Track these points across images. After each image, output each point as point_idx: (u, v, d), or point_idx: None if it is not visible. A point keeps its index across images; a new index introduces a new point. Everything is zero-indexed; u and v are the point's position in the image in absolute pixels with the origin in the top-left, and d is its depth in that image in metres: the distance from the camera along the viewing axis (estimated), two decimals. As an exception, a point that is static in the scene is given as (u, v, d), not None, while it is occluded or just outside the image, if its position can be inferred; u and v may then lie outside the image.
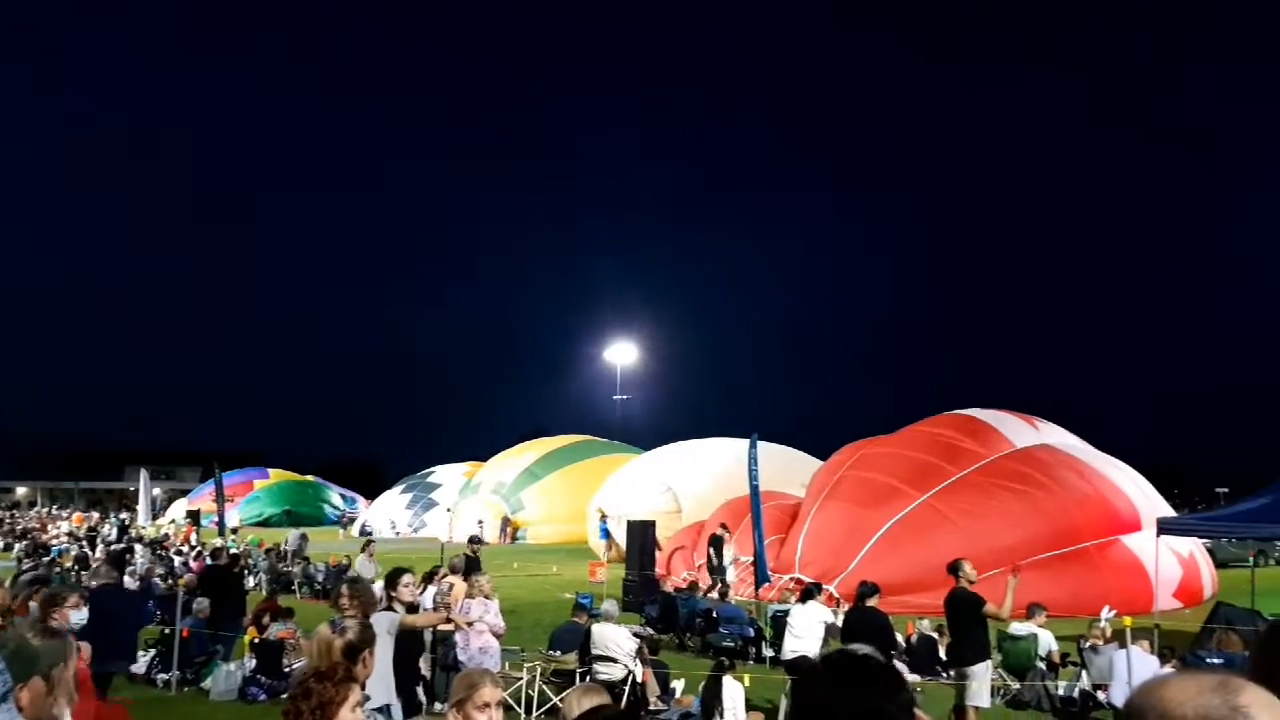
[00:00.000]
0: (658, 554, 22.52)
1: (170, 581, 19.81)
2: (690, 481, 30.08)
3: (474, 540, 16.86)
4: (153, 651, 12.48)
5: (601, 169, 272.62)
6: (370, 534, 48.50)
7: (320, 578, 21.21)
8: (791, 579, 18.21)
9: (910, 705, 1.73)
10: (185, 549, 29.06)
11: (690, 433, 35.98)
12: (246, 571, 21.01)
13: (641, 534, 20.58)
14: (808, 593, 12.37)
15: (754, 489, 17.91)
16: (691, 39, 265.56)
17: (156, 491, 61.52)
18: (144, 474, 47.81)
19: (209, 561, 20.59)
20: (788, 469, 27.13)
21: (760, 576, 17.30)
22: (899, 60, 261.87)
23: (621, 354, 61.27)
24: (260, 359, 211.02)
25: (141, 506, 46.66)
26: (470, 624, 9.12)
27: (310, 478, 65.45)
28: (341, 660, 3.85)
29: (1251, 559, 23.55)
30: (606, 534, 29.69)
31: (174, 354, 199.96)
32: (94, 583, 10.89)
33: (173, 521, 47.34)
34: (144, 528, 40.79)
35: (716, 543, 20.19)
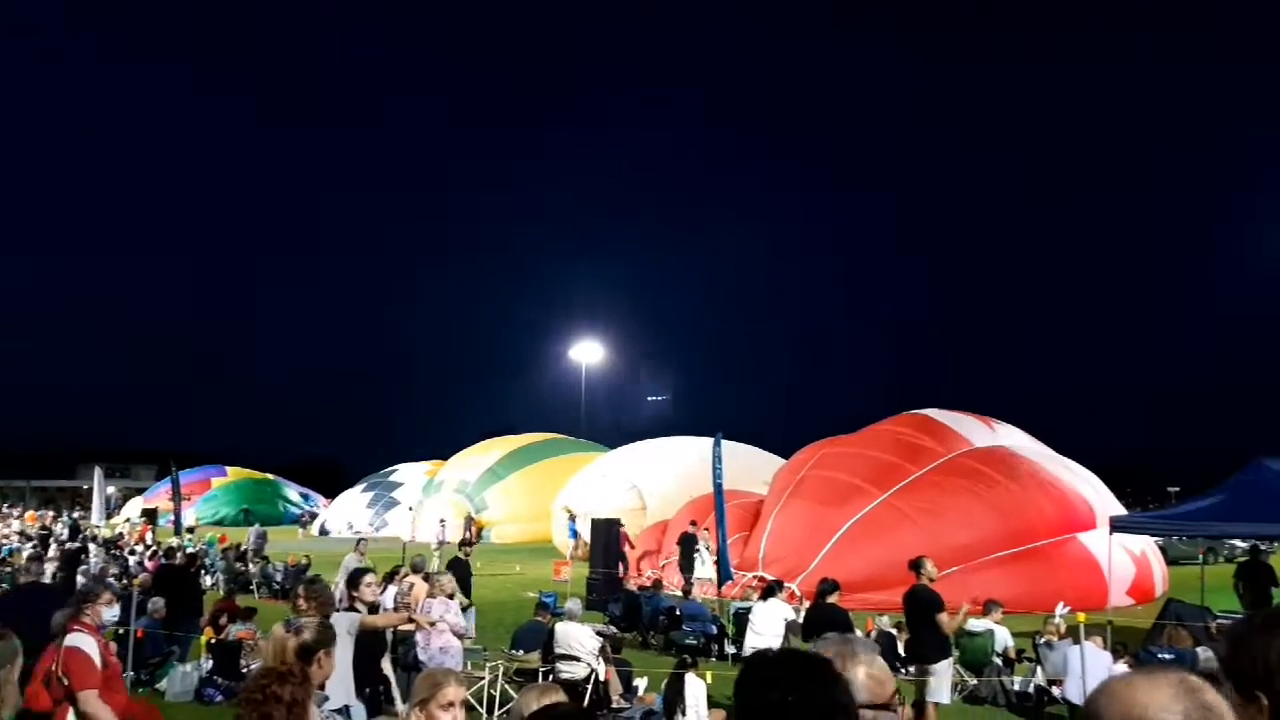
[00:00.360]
0: (630, 553, 22.55)
1: (125, 581, 19.42)
2: (655, 479, 30.12)
3: (464, 543, 16.70)
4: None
5: (597, 169, 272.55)
6: (329, 533, 48.09)
7: (279, 577, 20.95)
8: (755, 577, 18.32)
9: (849, 695, 1.74)
10: (140, 548, 28.51)
11: (655, 431, 36.12)
12: (203, 570, 20.69)
13: (606, 532, 20.56)
14: (769, 590, 12.48)
15: (718, 487, 18.00)
16: (691, 39, 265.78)
17: (111, 490, 60.24)
18: (98, 472, 46.64)
19: (164, 561, 20.26)
20: (751, 468, 27.26)
21: (723, 574, 17.39)
22: (899, 60, 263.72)
23: (587, 353, 61.18)
24: (220, 356, 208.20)
25: (95, 505, 45.57)
26: (432, 624, 9.06)
27: (269, 476, 64.57)
28: (295, 661, 3.82)
29: (1201, 556, 24.04)
30: (575, 533, 29.59)
31: (130, 351, 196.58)
32: (21, 579, 10.70)
33: (128, 520, 46.42)
34: (98, 527, 39.88)
35: (688, 541, 20.26)
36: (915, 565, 9.26)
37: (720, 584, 17.39)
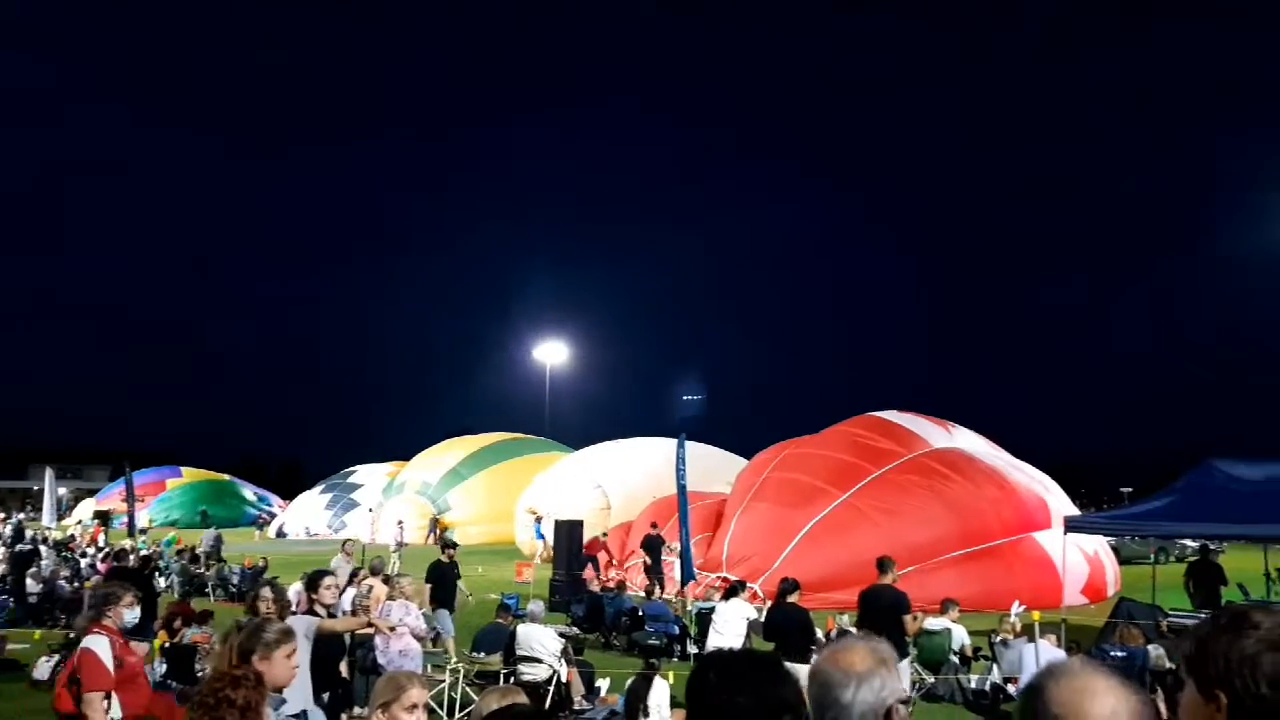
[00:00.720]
0: (602, 559, 22.49)
1: (76, 584, 19.02)
2: (620, 480, 30.10)
3: (447, 545, 16.00)
4: (57, 657, 11.97)
5: (596, 169, 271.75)
6: (287, 535, 47.43)
7: (235, 579, 20.62)
8: (719, 577, 18.39)
9: (798, 695, 1.76)
10: (92, 550, 27.93)
11: (618, 432, 36.11)
12: (157, 573, 20.31)
13: (569, 534, 20.51)
14: (731, 590, 12.53)
15: (681, 488, 18.05)
16: (692, 39, 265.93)
17: (62, 491, 58.97)
18: (49, 473, 45.65)
19: (115, 563, 19.85)
20: (715, 469, 27.36)
21: (686, 574, 17.43)
22: (899, 60, 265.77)
23: (552, 353, 61.11)
24: (174, 354, 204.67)
25: (46, 506, 44.57)
26: (392, 629, 8.98)
27: (226, 477, 63.51)
28: (242, 664, 3.77)
29: (1153, 556, 24.56)
30: (542, 535, 29.37)
31: (84, 348, 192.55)
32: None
33: (80, 522, 45.40)
34: (48, 529, 38.98)
35: (653, 544, 20.26)
36: (882, 565, 9.35)
37: (683, 584, 17.43)
